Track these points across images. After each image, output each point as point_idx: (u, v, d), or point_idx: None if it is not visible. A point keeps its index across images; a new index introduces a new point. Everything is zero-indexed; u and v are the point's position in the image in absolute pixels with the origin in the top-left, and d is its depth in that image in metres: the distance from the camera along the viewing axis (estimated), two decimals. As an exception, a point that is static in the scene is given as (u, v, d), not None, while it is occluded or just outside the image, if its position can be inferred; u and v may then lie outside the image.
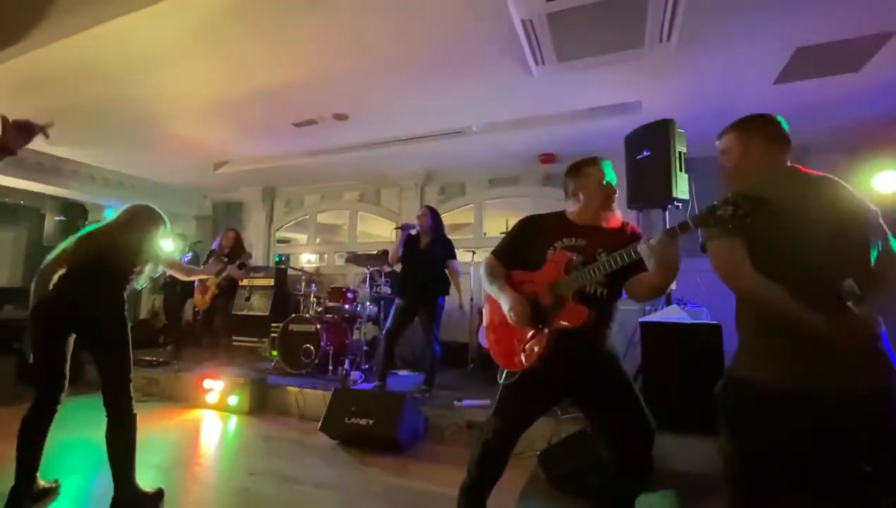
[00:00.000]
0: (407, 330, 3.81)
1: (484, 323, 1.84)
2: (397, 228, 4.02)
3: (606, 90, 3.62)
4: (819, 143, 4.17)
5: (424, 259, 3.76)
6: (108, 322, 2.05)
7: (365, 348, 4.46)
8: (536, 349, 1.58)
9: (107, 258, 2.10)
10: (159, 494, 2.17)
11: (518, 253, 1.71)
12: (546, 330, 1.56)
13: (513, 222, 1.78)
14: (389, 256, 4.00)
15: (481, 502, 1.70)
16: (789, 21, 2.67)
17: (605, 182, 1.66)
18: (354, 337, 4.52)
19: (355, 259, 4.69)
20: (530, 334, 1.60)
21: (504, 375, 1.70)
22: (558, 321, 1.54)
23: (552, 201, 5.30)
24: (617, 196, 1.68)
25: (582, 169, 1.69)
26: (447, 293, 3.84)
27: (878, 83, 3.26)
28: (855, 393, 1.09)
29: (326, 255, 6.85)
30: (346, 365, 4.00)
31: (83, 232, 2.22)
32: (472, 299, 4.82)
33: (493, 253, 1.79)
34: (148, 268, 2.24)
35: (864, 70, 3.10)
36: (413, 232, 3.85)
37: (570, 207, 1.71)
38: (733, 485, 1.21)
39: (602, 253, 1.52)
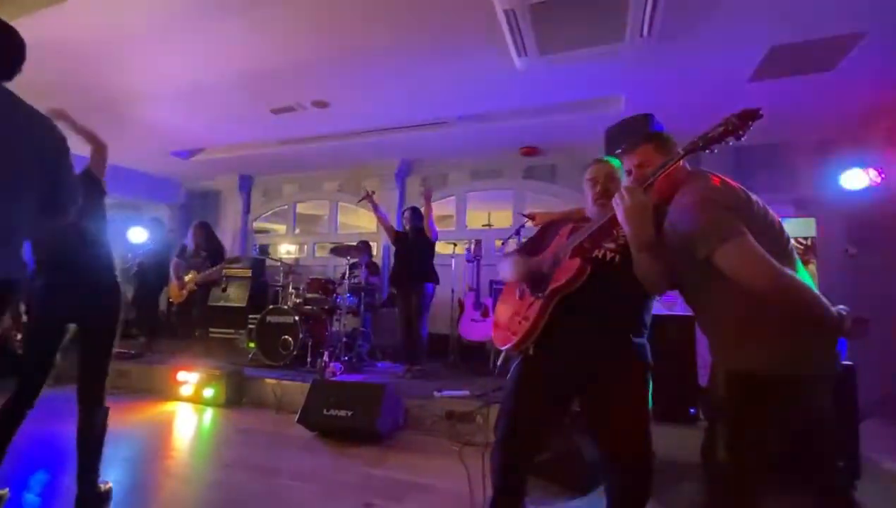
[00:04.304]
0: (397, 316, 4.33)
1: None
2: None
3: (588, 84, 3.65)
4: (792, 140, 4.31)
5: (410, 251, 4.23)
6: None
7: (344, 339, 4.43)
8: (528, 317, 1.51)
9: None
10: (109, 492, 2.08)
11: (537, 247, 1.68)
12: (540, 296, 1.50)
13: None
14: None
15: None
16: (764, 20, 2.73)
17: (590, 179, 1.58)
18: (334, 328, 4.49)
19: (339, 250, 4.67)
20: (528, 304, 1.54)
21: (501, 359, 1.66)
22: (552, 283, 1.47)
23: (534, 194, 5.34)
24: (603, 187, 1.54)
25: (586, 170, 1.63)
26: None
27: (849, 83, 3.36)
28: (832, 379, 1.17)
29: (306, 246, 6.76)
30: (325, 357, 3.98)
31: None
32: (452, 291, 4.84)
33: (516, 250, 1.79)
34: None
35: (838, 69, 3.20)
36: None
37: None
38: (737, 481, 1.18)
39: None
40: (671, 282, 1.37)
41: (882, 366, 2.64)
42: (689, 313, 1.44)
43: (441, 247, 5.69)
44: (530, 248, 1.73)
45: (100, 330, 1.99)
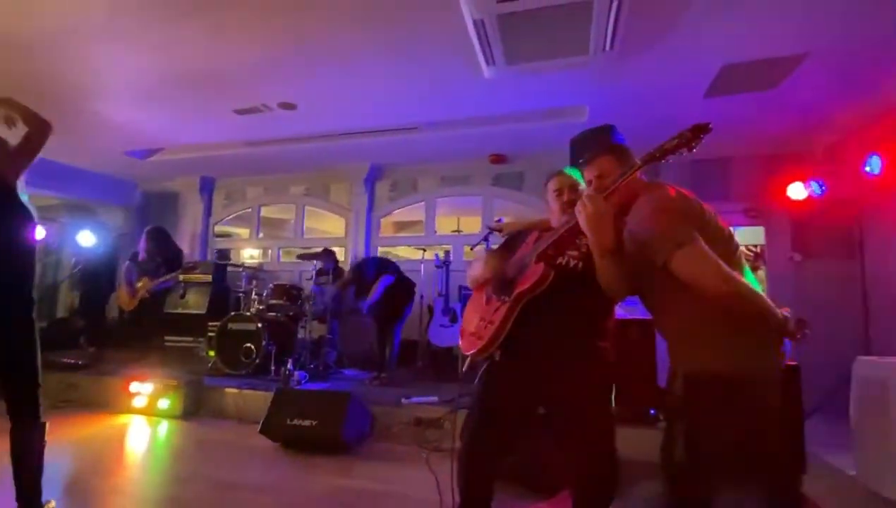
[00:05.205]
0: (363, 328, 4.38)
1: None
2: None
3: (554, 93, 3.74)
4: (741, 154, 4.56)
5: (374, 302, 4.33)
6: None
7: (310, 347, 4.34)
8: (493, 321, 1.53)
9: None
10: None
11: (504, 255, 1.71)
12: (506, 300, 1.53)
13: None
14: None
15: None
16: (717, 40, 2.89)
17: (555, 190, 1.63)
18: (299, 335, 4.39)
19: (307, 257, 4.59)
20: (494, 309, 1.57)
21: (467, 363, 1.67)
22: (517, 287, 1.51)
23: (502, 201, 5.42)
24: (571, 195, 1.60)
25: (546, 182, 1.69)
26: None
27: (793, 100, 3.59)
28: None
29: (270, 251, 6.61)
30: (290, 365, 3.88)
31: None
32: (421, 297, 4.83)
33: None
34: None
35: (782, 87, 3.42)
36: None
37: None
38: (694, 478, 1.24)
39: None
40: (632, 288, 1.42)
41: (824, 366, 2.81)
42: (648, 317, 1.49)
43: (410, 253, 5.69)
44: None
45: (11, 341, 1.79)
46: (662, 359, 2.69)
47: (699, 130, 1.20)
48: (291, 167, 5.92)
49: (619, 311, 2.75)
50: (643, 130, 3.10)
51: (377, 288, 4.12)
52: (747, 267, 1.31)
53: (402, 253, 6.33)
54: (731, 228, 1.36)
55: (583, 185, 1.58)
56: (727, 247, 1.28)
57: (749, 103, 3.67)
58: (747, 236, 4.90)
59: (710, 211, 1.33)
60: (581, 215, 1.34)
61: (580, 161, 1.55)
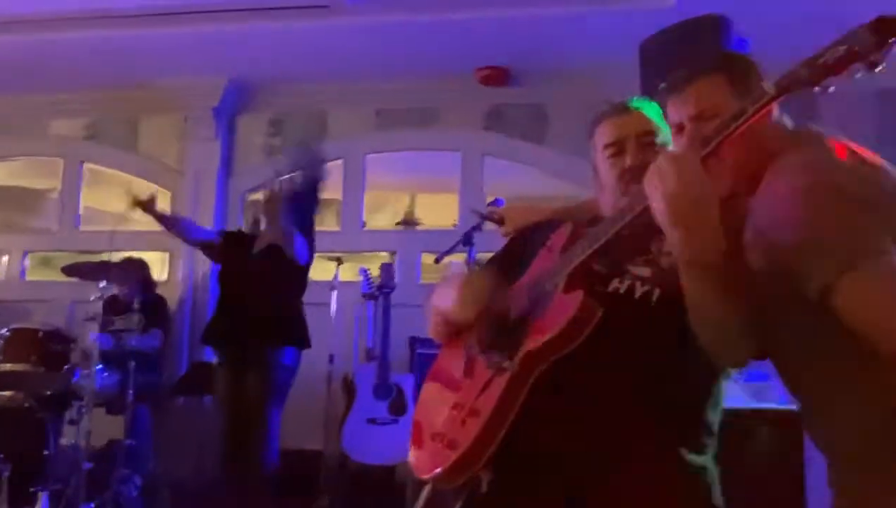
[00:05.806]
0: None
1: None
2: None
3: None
4: None
5: (247, 278, 4.34)
6: None
7: (88, 466, 4.29)
8: (478, 411, 1.54)
9: None
10: None
11: (506, 271, 1.77)
12: (506, 366, 1.54)
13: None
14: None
15: None
16: None
17: (608, 144, 1.70)
18: (62, 440, 4.35)
19: (84, 271, 4.55)
20: (480, 385, 1.58)
21: (424, 500, 1.68)
22: (530, 339, 1.53)
23: (501, 165, 5.52)
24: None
25: (591, 130, 1.76)
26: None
27: None
28: None
29: (7, 259, 6.58)
30: (42, 505, 3.82)
31: None
32: (330, 359, 4.84)
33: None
34: None
35: None
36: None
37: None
38: None
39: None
40: (758, 343, 1.47)
41: None
42: (793, 406, 1.54)
43: (317, 265, 5.65)
44: (498, 265, 1.82)
45: None
46: (818, 491, 2.78)
47: (888, 29, 1.26)
48: (54, 80, 5.92)
49: (734, 392, 2.84)
50: (783, 32, 3.23)
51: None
52: None
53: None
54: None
55: (665, 135, 1.65)
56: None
57: None
58: None
59: None
60: (656, 193, 1.37)
61: (661, 85, 1.60)
